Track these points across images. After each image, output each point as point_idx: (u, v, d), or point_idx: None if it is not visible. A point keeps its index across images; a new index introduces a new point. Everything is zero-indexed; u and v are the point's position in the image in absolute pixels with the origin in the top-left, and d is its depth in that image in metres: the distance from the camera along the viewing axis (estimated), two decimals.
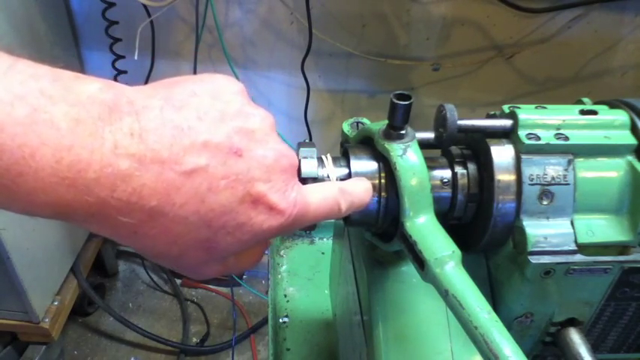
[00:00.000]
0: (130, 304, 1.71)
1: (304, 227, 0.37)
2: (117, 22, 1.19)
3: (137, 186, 0.27)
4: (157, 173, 0.27)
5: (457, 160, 0.45)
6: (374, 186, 0.43)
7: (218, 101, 0.31)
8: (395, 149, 0.42)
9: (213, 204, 0.29)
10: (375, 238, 0.48)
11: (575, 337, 0.45)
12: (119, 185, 0.27)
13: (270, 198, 0.31)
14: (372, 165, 0.44)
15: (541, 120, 0.43)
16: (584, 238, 0.42)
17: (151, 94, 0.30)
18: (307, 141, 0.44)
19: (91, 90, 0.27)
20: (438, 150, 0.48)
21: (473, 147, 0.46)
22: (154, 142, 0.27)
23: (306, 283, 0.82)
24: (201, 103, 0.30)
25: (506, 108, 0.45)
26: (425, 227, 0.40)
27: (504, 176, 0.42)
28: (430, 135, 0.46)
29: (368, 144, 0.46)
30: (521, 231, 0.42)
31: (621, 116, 0.44)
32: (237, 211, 0.30)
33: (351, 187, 0.40)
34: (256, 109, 0.33)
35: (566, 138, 0.42)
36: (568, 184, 0.42)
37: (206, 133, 0.29)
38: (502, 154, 0.43)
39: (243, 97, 0.33)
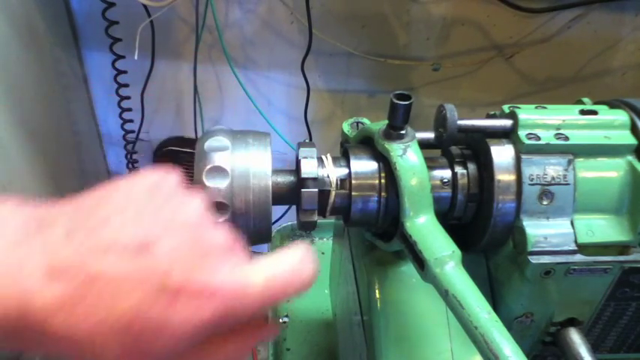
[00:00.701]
0: None
1: (256, 310, 0.31)
2: (117, 22, 1.19)
3: (43, 304, 0.26)
4: (62, 287, 0.26)
5: (457, 160, 0.45)
6: (374, 186, 0.43)
7: (128, 200, 0.30)
8: (395, 149, 0.42)
9: (124, 308, 0.27)
10: (375, 238, 0.48)
11: (575, 337, 0.45)
12: (27, 305, 0.26)
13: (191, 285, 0.28)
14: (372, 165, 0.44)
15: (541, 120, 0.43)
16: (584, 238, 0.42)
17: (61, 207, 0.29)
18: (307, 141, 0.44)
19: (2, 213, 0.28)
20: (438, 150, 0.48)
21: (473, 147, 0.46)
22: (60, 255, 0.27)
23: None
24: (109, 206, 0.29)
25: (506, 108, 0.45)
26: (425, 227, 0.40)
27: (504, 176, 0.42)
28: (430, 135, 0.46)
29: (368, 144, 0.46)
30: (521, 231, 0.42)
31: (621, 116, 0.44)
32: (155, 310, 0.27)
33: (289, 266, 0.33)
34: (173, 198, 0.31)
35: (566, 138, 0.42)
36: (568, 184, 0.42)
37: (111, 235, 0.28)
38: (502, 154, 0.43)
39: (158, 190, 0.31)
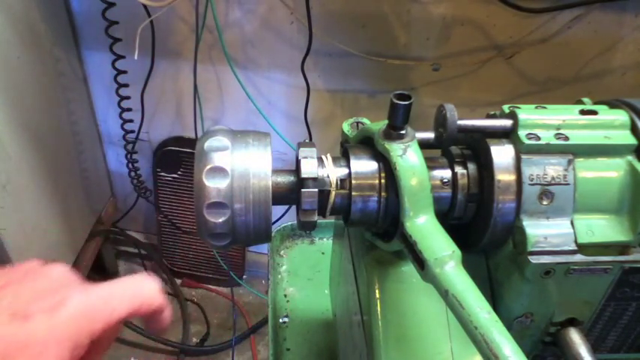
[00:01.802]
0: None
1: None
2: (117, 22, 1.19)
3: None
4: None
5: (457, 160, 0.45)
6: (374, 186, 0.43)
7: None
8: (395, 149, 0.42)
9: None
10: (375, 238, 0.48)
11: (575, 337, 0.45)
12: None
13: (43, 306, 0.32)
14: (372, 165, 0.44)
15: (541, 120, 0.43)
16: (584, 238, 0.42)
17: None
18: (307, 141, 0.44)
19: None
20: (438, 150, 0.48)
21: (473, 147, 0.46)
22: None
23: (306, 283, 0.82)
24: None
25: (506, 108, 0.45)
26: (425, 227, 0.40)
27: (504, 176, 0.42)
28: (430, 135, 0.46)
29: (368, 144, 0.46)
30: (521, 231, 0.42)
31: (621, 116, 0.44)
32: (8, 329, 0.30)
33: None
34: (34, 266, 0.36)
35: (566, 138, 0.42)
36: (568, 184, 0.42)
37: None
38: (502, 154, 0.43)
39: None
